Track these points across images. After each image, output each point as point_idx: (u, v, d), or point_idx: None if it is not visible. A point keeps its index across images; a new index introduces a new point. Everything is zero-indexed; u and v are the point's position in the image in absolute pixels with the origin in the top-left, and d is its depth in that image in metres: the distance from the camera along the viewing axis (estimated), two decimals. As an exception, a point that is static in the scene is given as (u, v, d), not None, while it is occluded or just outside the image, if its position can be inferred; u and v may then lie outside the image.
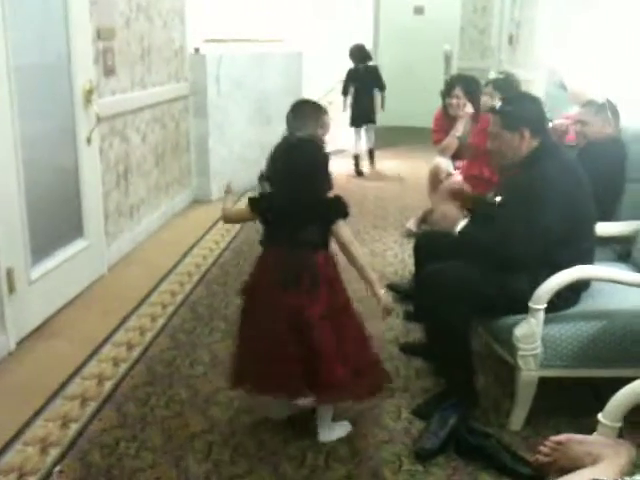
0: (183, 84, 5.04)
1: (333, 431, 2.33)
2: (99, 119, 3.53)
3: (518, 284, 2.32)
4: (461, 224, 2.53)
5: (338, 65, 7.27)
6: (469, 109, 4.33)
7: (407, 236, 4.51)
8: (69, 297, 3.41)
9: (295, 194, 2.20)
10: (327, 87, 7.26)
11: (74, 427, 2.38)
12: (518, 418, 2.35)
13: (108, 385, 2.66)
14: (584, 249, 2.39)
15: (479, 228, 2.47)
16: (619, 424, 1.65)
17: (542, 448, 1.63)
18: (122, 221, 4.08)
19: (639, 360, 2.25)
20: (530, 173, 2.37)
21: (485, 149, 3.79)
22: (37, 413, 2.46)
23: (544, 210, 2.28)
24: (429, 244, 2.86)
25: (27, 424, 2.39)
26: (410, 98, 9.10)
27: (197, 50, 5.11)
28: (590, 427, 2.32)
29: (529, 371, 2.27)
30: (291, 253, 2.21)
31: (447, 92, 4.34)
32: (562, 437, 1.62)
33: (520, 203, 2.34)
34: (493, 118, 2.47)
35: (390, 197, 5.70)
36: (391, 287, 3.49)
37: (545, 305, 2.22)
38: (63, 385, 2.65)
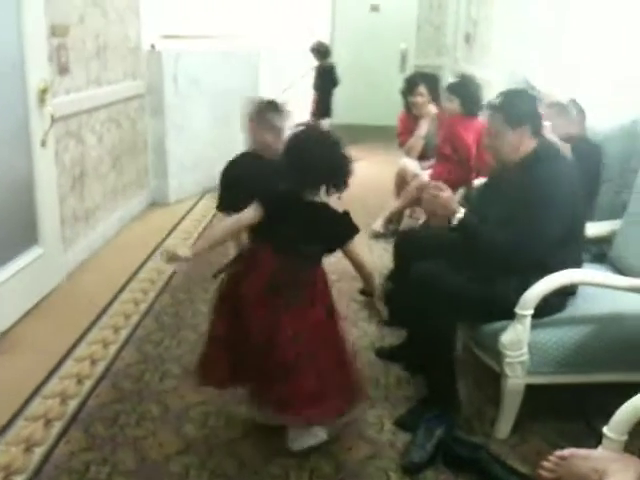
0: (139, 82, 4.85)
1: (304, 439, 2.21)
2: (54, 120, 3.34)
3: (507, 288, 2.26)
4: (460, 214, 2.40)
5: (294, 63, 7.19)
6: (432, 109, 4.30)
7: (374, 237, 4.44)
8: (25, 308, 3.22)
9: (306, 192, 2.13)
10: (283, 85, 7.14)
11: (39, 451, 2.22)
12: (505, 426, 2.30)
13: (73, 404, 2.50)
14: (574, 252, 2.36)
15: (482, 223, 2.38)
16: (625, 437, 1.60)
17: (545, 464, 1.57)
18: (78, 226, 3.90)
19: (627, 365, 2.23)
20: (532, 175, 2.30)
21: (449, 154, 3.78)
22: (-3, 437, 2.30)
23: (548, 214, 2.23)
24: (411, 244, 2.78)
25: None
26: (366, 96, 9.07)
27: (153, 47, 4.93)
28: (576, 431, 2.33)
29: (516, 378, 2.22)
30: (293, 265, 2.10)
31: (409, 90, 4.29)
32: (566, 452, 1.56)
33: (524, 205, 2.26)
34: (493, 115, 2.38)
35: (351, 196, 5.57)
36: (364, 292, 3.41)
37: (532, 311, 2.17)
38: (24, 405, 2.48)
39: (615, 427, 1.58)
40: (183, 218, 4.89)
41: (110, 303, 3.39)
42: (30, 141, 3.21)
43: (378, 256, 4.12)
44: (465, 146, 3.64)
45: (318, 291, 2.16)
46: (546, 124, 2.84)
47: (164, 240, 4.38)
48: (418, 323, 2.41)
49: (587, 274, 2.28)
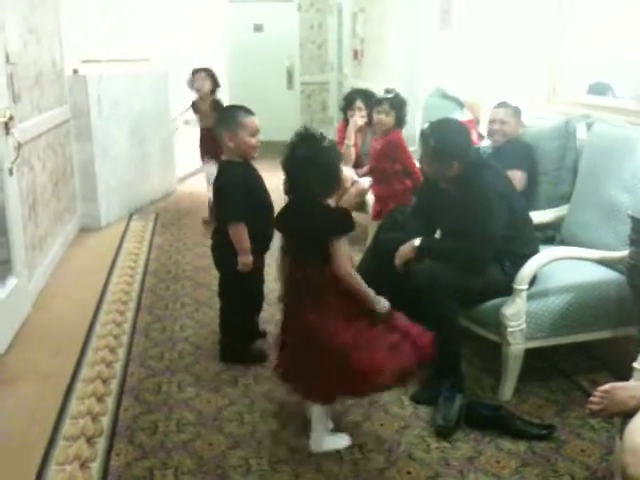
0: (65, 107, 4.81)
1: (326, 442, 2.38)
2: (20, 147, 3.33)
3: (494, 275, 2.65)
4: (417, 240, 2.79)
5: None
6: (359, 120, 4.62)
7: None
8: (9, 340, 3.18)
9: (297, 196, 2.31)
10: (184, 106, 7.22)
11: (95, 466, 2.29)
12: (508, 388, 2.66)
13: (105, 421, 2.57)
14: (529, 233, 2.79)
15: (441, 240, 2.79)
16: (652, 369, 1.98)
17: (592, 398, 1.91)
18: (35, 255, 3.85)
19: (603, 323, 2.68)
20: (470, 187, 2.67)
21: (391, 171, 4.00)
22: (45, 459, 2.32)
23: (494, 215, 2.61)
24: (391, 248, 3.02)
25: (40, 472, 2.26)
26: (256, 113, 9.28)
27: (76, 71, 4.91)
28: (562, 387, 2.75)
29: (517, 345, 2.59)
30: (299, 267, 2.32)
31: (348, 105, 4.60)
32: (607, 386, 1.91)
33: (467, 215, 2.63)
34: (426, 145, 2.71)
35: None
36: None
37: (527, 286, 2.55)
38: (56, 427, 2.51)
39: (643, 362, 1.95)
40: (122, 241, 4.90)
41: (91, 327, 3.41)
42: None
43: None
44: (411, 157, 3.97)
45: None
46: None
47: (113, 263, 4.39)
48: (427, 317, 2.59)
49: (567, 250, 2.72)
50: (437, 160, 2.69)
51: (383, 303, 2.31)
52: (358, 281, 2.28)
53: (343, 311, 2.29)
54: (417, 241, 2.78)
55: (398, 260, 2.82)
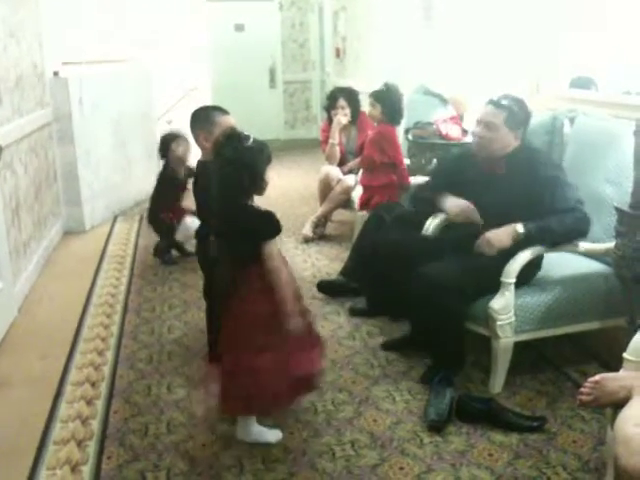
0: (47, 110, 4.77)
1: (254, 433, 2.40)
2: (2, 151, 3.29)
3: (497, 269, 2.62)
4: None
5: (177, 84, 7.24)
6: (342, 120, 4.63)
7: (305, 242, 4.70)
8: (-5, 345, 3.15)
9: (215, 203, 2.29)
10: (166, 106, 7.18)
11: (86, 470, 2.27)
12: (498, 382, 2.67)
13: (95, 424, 2.54)
14: None
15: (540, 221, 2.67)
16: (642, 359, 1.99)
17: (583, 389, 1.92)
18: (19, 259, 3.81)
19: (592, 314, 2.70)
20: (538, 160, 2.74)
21: (378, 162, 3.99)
22: (35, 464, 2.30)
23: (571, 183, 2.69)
24: (396, 253, 2.96)
25: (30, 477, 2.23)
26: (240, 112, 9.21)
27: (56, 73, 4.86)
28: (552, 379, 2.76)
29: (506, 338, 2.60)
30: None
31: (331, 104, 4.60)
32: (597, 377, 1.92)
33: (555, 188, 2.65)
34: (495, 110, 2.74)
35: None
36: (322, 287, 3.67)
37: (515, 279, 2.56)
38: (46, 431, 2.49)
39: (633, 351, 1.95)
40: (107, 244, 4.86)
41: (78, 331, 3.38)
42: (-17, 174, 3.16)
43: (317, 258, 4.39)
44: (399, 152, 3.97)
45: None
46: None
47: (99, 266, 4.36)
48: (432, 315, 2.66)
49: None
50: (506, 123, 2.72)
51: (297, 323, 2.25)
52: (288, 287, 2.25)
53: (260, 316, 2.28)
54: (520, 227, 2.62)
55: (490, 249, 2.65)
